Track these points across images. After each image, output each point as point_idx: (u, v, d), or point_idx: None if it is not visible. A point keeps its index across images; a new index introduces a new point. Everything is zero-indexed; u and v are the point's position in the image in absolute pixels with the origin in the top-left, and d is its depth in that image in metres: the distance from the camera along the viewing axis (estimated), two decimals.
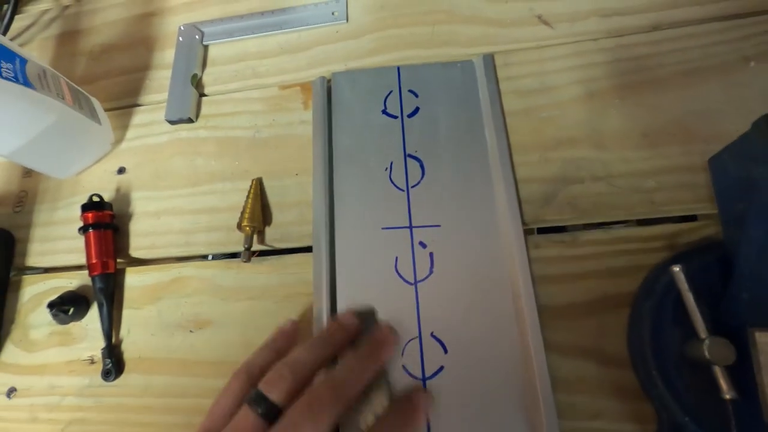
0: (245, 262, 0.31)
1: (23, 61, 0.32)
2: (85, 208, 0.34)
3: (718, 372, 0.21)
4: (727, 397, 0.20)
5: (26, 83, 0.31)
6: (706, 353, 0.20)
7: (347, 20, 0.38)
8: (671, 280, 0.24)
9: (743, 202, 0.20)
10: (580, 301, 0.28)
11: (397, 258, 0.29)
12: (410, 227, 0.30)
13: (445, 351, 0.27)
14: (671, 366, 0.24)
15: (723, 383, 0.20)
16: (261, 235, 0.33)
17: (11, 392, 0.33)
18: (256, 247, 0.33)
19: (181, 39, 0.40)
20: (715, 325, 0.22)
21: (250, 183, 0.34)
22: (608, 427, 0.25)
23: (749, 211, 0.19)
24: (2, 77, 0.30)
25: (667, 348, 0.24)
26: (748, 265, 0.20)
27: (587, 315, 0.27)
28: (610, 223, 0.30)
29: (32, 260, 0.37)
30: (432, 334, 0.28)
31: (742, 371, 0.20)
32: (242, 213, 0.32)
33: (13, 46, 0.32)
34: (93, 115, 0.37)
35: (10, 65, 0.31)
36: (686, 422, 0.23)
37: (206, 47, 0.41)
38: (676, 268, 0.22)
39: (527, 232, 0.30)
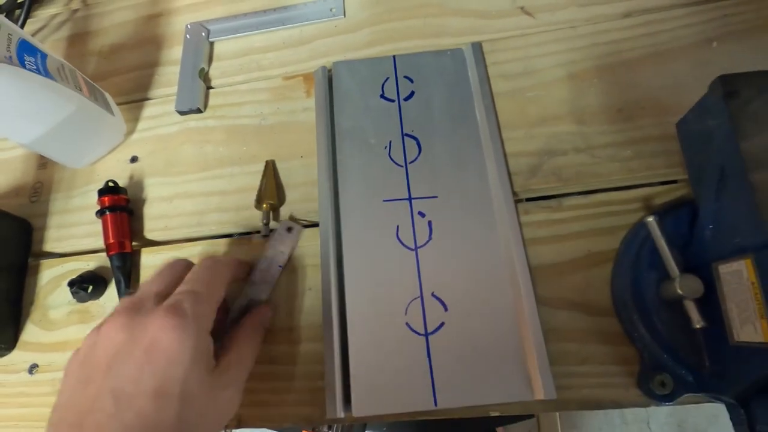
0: (265, 236, 0.34)
1: (44, 55, 0.34)
2: (102, 192, 0.36)
3: (689, 305, 0.23)
4: (698, 326, 0.23)
5: (47, 75, 0.33)
6: (678, 288, 0.23)
7: (344, 15, 0.41)
8: (647, 234, 0.27)
9: (704, 153, 0.23)
10: (567, 259, 0.30)
11: (398, 227, 0.32)
12: (409, 199, 0.33)
13: (445, 309, 0.30)
14: (650, 310, 0.26)
15: (694, 314, 0.23)
16: (276, 212, 0.35)
17: (33, 368, 0.35)
18: (273, 224, 0.35)
19: (188, 36, 0.43)
20: (685, 269, 0.25)
21: (257, 166, 0.37)
22: (596, 370, 0.28)
23: (708, 158, 0.22)
24: (26, 68, 0.32)
25: (645, 293, 0.26)
26: (709, 205, 0.22)
27: (574, 271, 0.30)
28: (592, 191, 0.32)
29: (50, 246, 0.39)
30: (433, 294, 0.30)
31: (709, 303, 0.23)
32: (260, 192, 0.35)
33: (34, 41, 0.34)
34: (107, 107, 0.39)
35: (32, 58, 0.33)
36: (665, 359, 0.25)
37: (212, 44, 0.43)
38: (650, 218, 0.25)
39: (516, 201, 0.32)
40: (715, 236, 0.22)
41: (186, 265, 0.29)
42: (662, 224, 0.25)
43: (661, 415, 1.02)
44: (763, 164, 0.19)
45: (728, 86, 0.20)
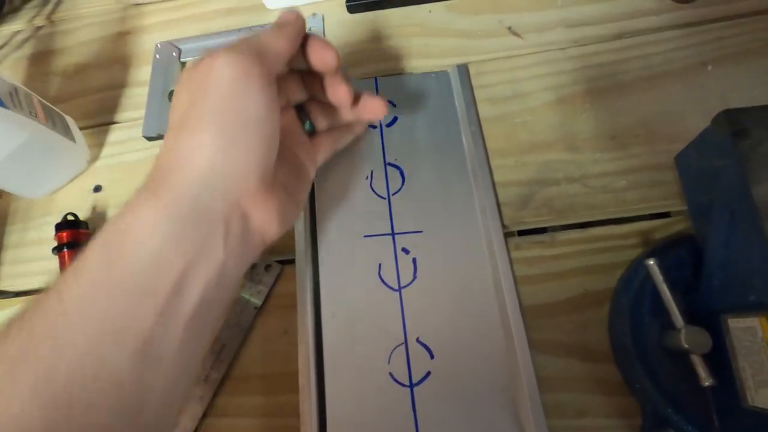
0: None
1: None
2: (60, 227, 0.33)
3: (696, 360, 0.21)
4: (706, 384, 0.21)
5: None
6: (683, 342, 0.21)
7: (324, 35, 0.39)
8: (647, 274, 0.25)
9: (708, 194, 0.21)
10: (562, 299, 0.28)
11: (380, 265, 0.29)
12: (392, 234, 0.30)
13: (432, 356, 0.27)
14: (652, 358, 0.24)
15: (701, 371, 0.21)
16: None
17: None
18: None
19: (158, 56, 0.40)
20: (690, 316, 0.23)
21: None
22: (595, 424, 0.26)
23: (713, 200, 0.20)
24: None
25: (646, 340, 0.24)
26: (717, 252, 0.21)
27: (569, 312, 0.28)
28: (586, 224, 0.30)
29: (4, 284, 0.35)
30: (418, 340, 0.28)
31: (718, 359, 0.21)
32: None
33: None
34: (67, 133, 0.36)
35: None
36: (669, 413, 0.23)
37: (183, 64, 0.41)
38: (651, 262, 0.23)
39: (507, 235, 0.30)
40: (724, 286, 0.20)
41: None
42: (663, 266, 0.23)
43: None
44: None
45: (735, 123, 0.18)
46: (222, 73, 0.21)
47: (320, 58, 0.25)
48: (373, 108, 0.28)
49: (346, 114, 0.29)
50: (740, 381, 0.19)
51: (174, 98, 0.23)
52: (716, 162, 0.20)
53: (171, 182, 0.20)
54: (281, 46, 0.24)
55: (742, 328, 0.19)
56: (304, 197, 0.28)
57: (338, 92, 0.26)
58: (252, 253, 0.23)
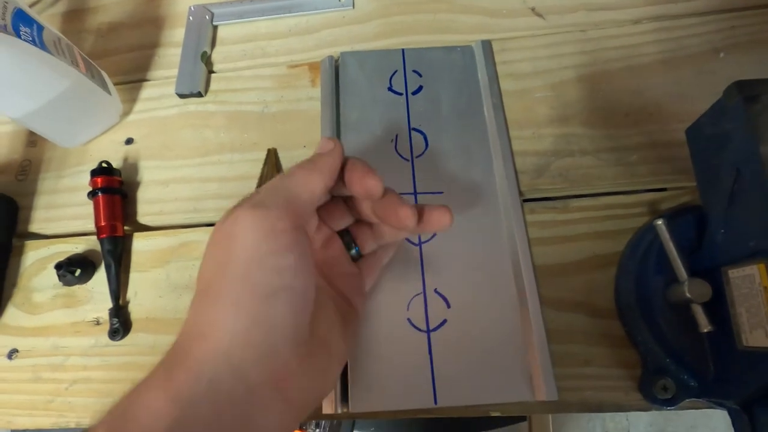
0: None
1: (40, 27, 0.33)
2: (95, 173, 0.35)
3: (697, 309, 0.23)
4: (705, 330, 0.23)
5: (43, 47, 0.32)
6: (687, 292, 0.23)
7: (353, 6, 0.41)
8: (654, 237, 0.27)
9: (716, 158, 0.23)
10: (571, 260, 0.30)
11: None
12: (415, 193, 0.32)
13: (448, 306, 0.29)
14: (654, 313, 0.26)
15: (701, 319, 0.23)
16: None
17: (12, 353, 0.33)
18: None
19: (191, 18, 0.42)
20: (691, 272, 0.24)
21: (258, 154, 0.36)
22: (598, 373, 0.27)
23: (721, 162, 0.22)
24: (21, 39, 0.31)
25: (650, 297, 0.26)
26: (721, 210, 0.22)
27: (578, 273, 0.30)
28: (598, 194, 0.32)
29: (36, 227, 0.37)
30: (435, 290, 0.30)
31: (716, 308, 0.23)
32: (260, 180, 0.34)
33: (32, 12, 0.33)
34: (104, 85, 0.38)
35: (28, 29, 0.32)
36: (667, 363, 0.25)
37: (216, 27, 0.42)
38: (659, 221, 0.25)
39: (523, 200, 0.32)
40: (726, 240, 0.22)
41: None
42: (670, 228, 0.25)
43: (641, 423, 1.03)
44: None
45: (747, 91, 0.20)
46: (245, 236, 0.19)
47: (363, 187, 0.23)
48: (440, 219, 0.24)
49: (404, 233, 0.27)
50: (737, 326, 0.21)
51: (202, 260, 0.21)
52: (727, 126, 0.22)
53: (188, 360, 0.18)
54: (315, 185, 0.22)
55: (741, 276, 0.21)
56: (352, 344, 0.25)
57: (401, 216, 0.23)
58: (291, 426, 0.20)
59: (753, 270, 0.20)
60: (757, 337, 0.20)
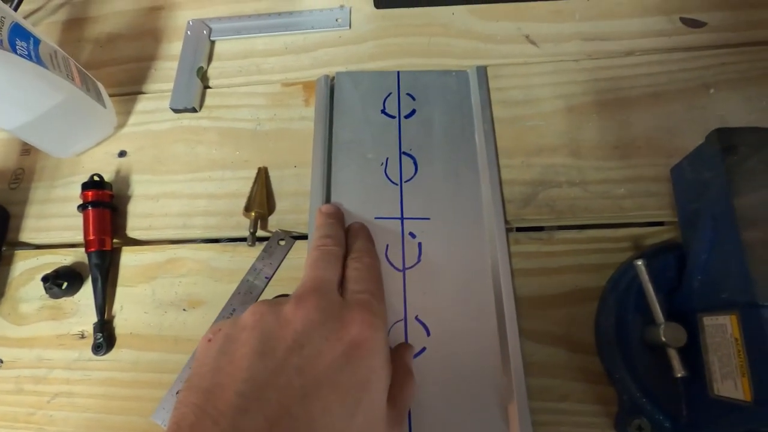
0: (250, 245, 0.33)
1: (37, 41, 0.33)
2: (86, 186, 0.35)
3: (672, 353, 0.23)
4: (679, 375, 0.23)
5: (39, 61, 0.32)
6: (662, 336, 0.23)
7: (350, 27, 0.41)
8: (635, 275, 0.27)
9: (696, 203, 0.23)
10: (554, 293, 0.30)
11: (387, 246, 0.31)
12: (401, 218, 0.32)
13: (428, 334, 0.29)
14: (632, 352, 0.26)
15: (676, 363, 0.23)
16: (264, 221, 0.34)
17: None
18: (260, 233, 0.34)
19: (189, 33, 0.42)
20: (670, 315, 0.25)
21: (249, 172, 0.36)
22: (574, 408, 0.28)
23: (701, 209, 0.22)
24: (16, 54, 0.31)
25: (629, 335, 0.26)
26: (699, 256, 0.23)
27: (559, 306, 0.30)
28: (584, 226, 0.32)
29: (26, 236, 0.37)
30: (417, 318, 0.30)
31: (691, 355, 0.23)
32: (249, 199, 0.34)
33: (28, 25, 0.33)
34: (99, 98, 0.38)
35: (24, 44, 0.32)
36: (643, 402, 0.25)
37: (213, 43, 0.42)
38: (639, 262, 0.25)
39: (508, 230, 0.32)
40: (702, 287, 0.22)
41: (342, 244, 0.27)
42: (650, 268, 0.25)
43: None
44: (755, 223, 0.19)
45: (726, 140, 0.20)
46: (379, 382, 0.19)
47: None
48: None
49: None
50: (709, 373, 0.22)
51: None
52: (706, 174, 0.22)
53: None
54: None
55: (714, 325, 0.21)
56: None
57: None
58: None
59: (726, 320, 0.20)
60: (727, 387, 0.20)
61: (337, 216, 0.29)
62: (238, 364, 0.18)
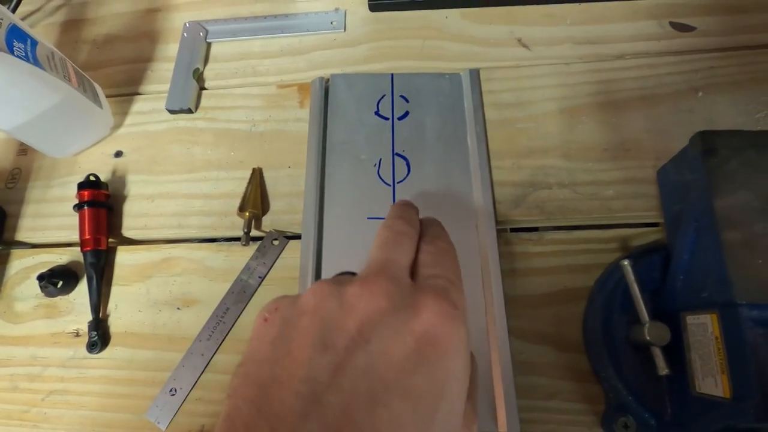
0: (244, 245, 0.33)
1: (34, 42, 0.33)
2: (82, 186, 0.36)
3: (656, 352, 0.24)
4: (663, 373, 0.23)
5: (36, 63, 0.33)
6: (646, 335, 0.23)
7: (345, 30, 0.42)
8: (622, 275, 0.27)
9: (680, 205, 0.23)
10: (542, 292, 0.31)
11: None
12: None
13: None
14: (618, 351, 0.27)
15: (659, 362, 0.23)
16: (258, 221, 0.35)
17: None
18: (254, 233, 0.34)
19: (185, 35, 0.42)
20: (655, 314, 0.25)
21: (244, 172, 0.36)
22: (562, 407, 0.28)
23: (684, 211, 0.23)
24: (14, 55, 0.31)
25: (615, 335, 0.27)
26: (682, 256, 0.23)
27: (548, 305, 0.30)
28: (573, 227, 0.33)
29: (22, 235, 0.38)
30: None
31: (675, 353, 0.23)
32: (244, 199, 0.35)
33: (25, 26, 0.33)
34: (95, 99, 0.38)
35: (21, 45, 0.32)
36: (629, 401, 0.26)
37: (209, 44, 0.43)
38: (625, 262, 0.26)
39: (499, 230, 0.33)
40: (685, 287, 0.23)
41: (416, 226, 0.23)
42: (636, 268, 0.26)
43: None
44: (735, 223, 0.20)
45: (707, 143, 0.21)
46: (458, 372, 0.16)
47: None
48: None
49: None
50: (691, 371, 0.22)
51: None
52: (688, 176, 0.22)
53: None
54: None
55: (696, 324, 0.22)
56: None
57: None
58: None
59: (706, 319, 0.21)
60: (708, 384, 0.21)
61: (412, 205, 0.25)
62: (296, 356, 0.16)
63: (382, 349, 0.16)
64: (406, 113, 0.37)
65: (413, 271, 0.20)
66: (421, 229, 0.23)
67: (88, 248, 0.34)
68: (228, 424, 0.15)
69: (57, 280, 0.34)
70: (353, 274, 0.20)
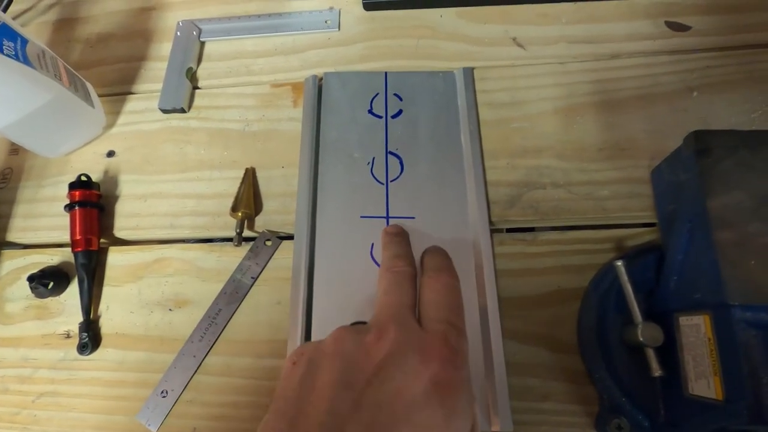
0: (237, 246, 0.33)
1: (24, 41, 0.33)
2: (73, 186, 0.35)
3: (649, 353, 0.23)
4: (656, 374, 0.23)
5: (26, 62, 0.32)
6: (639, 336, 0.23)
7: (339, 29, 0.41)
8: (615, 276, 0.27)
9: (674, 204, 0.23)
10: (537, 293, 0.31)
11: (372, 244, 0.32)
12: (387, 217, 0.32)
13: None
14: (612, 352, 0.27)
15: (653, 363, 0.23)
16: (250, 221, 0.34)
17: None
18: (246, 233, 0.34)
19: (178, 34, 0.42)
20: (650, 315, 0.25)
21: (237, 172, 0.36)
22: (555, 408, 0.28)
23: (677, 211, 0.23)
24: (3, 54, 0.31)
25: (609, 336, 0.27)
26: (675, 257, 0.23)
27: (543, 306, 0.30)
28: (567, 227, 0.33)
29: (13, 236, 0.37)
30: None
31: (669, 354, 0.23)
32: (236, 199, 0.34)
33: (16, 25, 0.33)
34: (87, 98, 0.38)
35: (11, 43, 0.32)
36: (623, 402, 0.26)
37: (203, 43, 0.42)
38: (619, 263, 0.25)
39: (493, 230, 0.32)
40: (678, 287, 0.23)
41: (413, 263, 0.26)
42: (630, 269, 0.25)
43: None
44: (728, 224, 0.19)
45: (701, 143, 0.21)
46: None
47: None
48: None
49: None
50: (684, 373, 0.22)
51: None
52: (682, 176, 0.22)
53: None
54: None
55: (689, 325, 0.21)
56: None
57: None
58: None
59: (699, 320, 0.20)
60: (701, 386, 0.20)
61: (403, 234, 0.28)
62: (320, 393, 0.19)
63: (395, 389, 0.18)
64: (400, 111, 0.36)
65: (420, 310, 0.23)
66: (426, 260, 0.26)
67: (79, 249, 0.34)
68: None
69: (48, 281, 0.33)
70: (365, 323, 0.23)
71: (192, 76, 0.41)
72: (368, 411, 0.17)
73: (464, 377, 0.19)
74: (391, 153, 0.35)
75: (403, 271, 0.24)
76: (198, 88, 0.41)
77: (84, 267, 0.33)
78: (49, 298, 0.34)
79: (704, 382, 0.20)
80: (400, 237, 0.28)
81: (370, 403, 0.18)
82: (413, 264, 0.25)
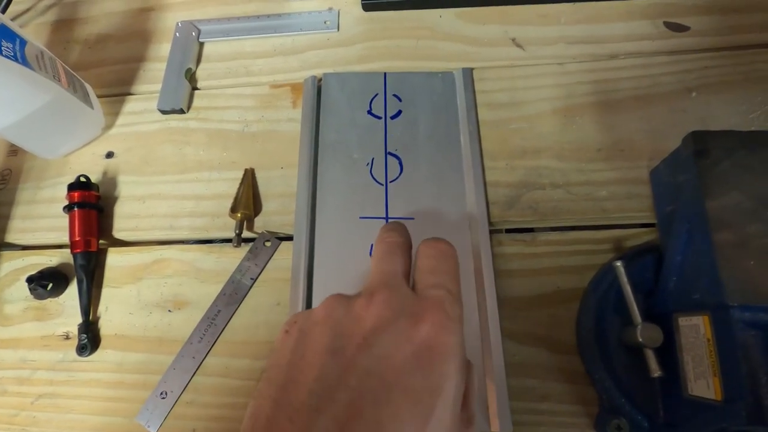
0: (236, 246, 0.33)
1: (23, 42, 0.33)
2: (72, 187, 0.35)
3: (649, 353, 0.23)
4: (655, 375, 0.23)
5: (24, 63, 0.32)
6: (639, 336, 0.23)
7: (338, 29, 0.41)
8: (614, 276, 0.27)
9: (672, 205, 0.23)
10: (536, 294, 0.31)
11: (372, 245, 0.32)
12: (386, 218, 0.33)
13: None
14: (611, 353, 0.27)
15: (652, 363, 0.23)
16: (249, 222, 0.34)
17: None
18: (245, 234, 0.34)
19: (177, 34, 0.42)
20: (649, 316, 0.25)
21: (236, 173, 0.36)
22: (555, 409, 0.28)
23: (676, 211, 0.23)
24: (2, 55, 0.31)
25: (608, 336, 0.27)
26: (674, 257, 0.23)
27: (542, 306, 0.30)
28: (566, 228, 0.33)
29: (12, 237, 0.37)
30: None
31: (668, 355, 0.23)
32: (236, 200, 0.34)
33: (14, 26, 0.33)
34: (86, 99, 0.38)
35: (10, 44, 0.32)
36: (622, 403, 0.26)
37: (202, 44, 0.42)
38: (618, 263, 0.25)
39: (492, 231, 0.32)
40: (677, 288, 0.23)
41: (407, 236, 0.25)
42: (629, 269, 0.25)
43: None
44: (726, 225, 0.19)
45: (699, 144, 0.21)
46: (450, 394, 0.18)
47: None
48: None
49: None
50: (683, 373, 0.22)
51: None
52: (680, 177, 0.22)
53: None
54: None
55: (688, 325, 0.21)
56: None
57: None
58: None
59: (699, 321, 0.20)
60: (700, 386, 0.20)
61: (401, 222, 0.27)
62: (310, 360, 0.18)
63: (384, 353, 0.18)
64: (399, 112, 0.36)
65: (414, 277, 0.22)
66: (421, 241, 0.25)
67: (78, 250, 0.34)
68: (252, 420, 0.18)
69: (47, 283, 0.33)
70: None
71: (191, 77, 0.41)
72: (357, 376, 0.17)
73: (457, 342, 0.19)
74: (391, 154, 0.35)
75: (397, 242, 0.24)
76: (197, 88, 0.41)
77: (83, 268, 0.33)
78: (48, 300, 0.34)
79: (703, 382, 0.20)
80: (397, 222, 0.27)
81: (360, 369, 0.17)
82: (408, 236, 0.25)
